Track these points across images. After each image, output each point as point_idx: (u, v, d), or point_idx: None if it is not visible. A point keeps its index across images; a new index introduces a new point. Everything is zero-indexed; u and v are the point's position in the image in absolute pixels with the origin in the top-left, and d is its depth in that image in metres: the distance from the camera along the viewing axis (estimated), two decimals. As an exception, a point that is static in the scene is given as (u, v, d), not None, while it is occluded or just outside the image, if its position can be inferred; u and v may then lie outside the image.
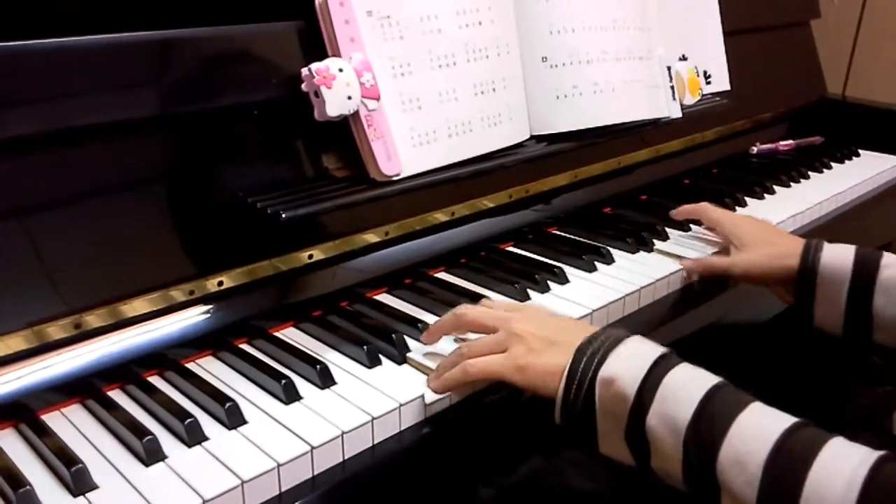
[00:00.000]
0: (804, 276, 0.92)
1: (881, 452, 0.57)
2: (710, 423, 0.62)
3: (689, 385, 0.64)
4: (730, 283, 1.02)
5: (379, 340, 0.79)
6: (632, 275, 0.97)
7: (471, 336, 0.79)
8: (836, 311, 0.91)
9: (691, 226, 1.13)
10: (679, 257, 1.03)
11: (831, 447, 0.58)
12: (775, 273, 0.95)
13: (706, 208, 1.08)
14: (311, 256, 0.85)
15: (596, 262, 0.99)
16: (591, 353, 0.68)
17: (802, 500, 0.56)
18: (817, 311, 0.93)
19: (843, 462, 0.57)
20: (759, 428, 0.61)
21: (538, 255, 1.02)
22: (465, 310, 0.77)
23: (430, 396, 0.72)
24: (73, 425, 0.68)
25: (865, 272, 0.89)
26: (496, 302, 0.82)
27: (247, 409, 0.69)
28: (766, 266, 0.96)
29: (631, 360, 0.67)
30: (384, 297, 0.91)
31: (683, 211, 1.12)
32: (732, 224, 1.02)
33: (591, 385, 0.67)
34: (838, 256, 0.91)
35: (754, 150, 1.51)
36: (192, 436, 0.65)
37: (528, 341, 0.71)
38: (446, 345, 0.79)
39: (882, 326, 0.89)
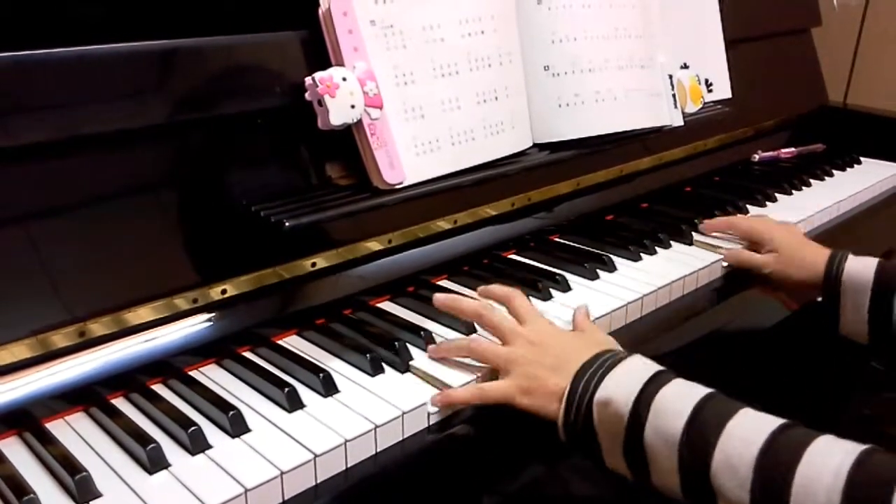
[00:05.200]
0: (829, 285, 0.97)
1: (867, 445, 0.59)
2: (701, 431, 0.63)
3: (681, 398, 0.66)
4: (734, 289, 1.03)
5: (382, 348, 0.79)
6: (634, 282, 0.97)
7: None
8: (860, 320, 0.94)
9: (693, 234, 1.13)
10: (681, 264, 1.03)
11: (819, 444, 0.60)
12: (801, 278, 1.00)
13: (739, 220, 1.13)
14: (314, 264, 0.86)
15: (598, 270, 0.99)
16: (589, 377, 0.70)
17: (792, 494, 0.58)
18: (843, 320, 0.97)
19: (830, 456, 0.58)
20: (748, 431, 0.62)
21: (540, 262, 1.02)
22: (476, 344, 0.77)
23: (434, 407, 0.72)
24: (76, 433, 0.68)
25: (886, 281, 0.92)
26: (519, 300, 0.81)
27: (250, 417, 0.69)
28: (793, 271, 1.01)
29: (626, 380, 0.69)
30: (387, 305, 0.91)
31: (714, 226, 1.14)
32: (767, 230, 1.07)
33: (589, 407, 0.69)
34: (861, 267, 0.95)
35: (756, 157, 1.51)
36: (196, 444, 0.65)
37: (531, 366, 0.73)
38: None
39: None
